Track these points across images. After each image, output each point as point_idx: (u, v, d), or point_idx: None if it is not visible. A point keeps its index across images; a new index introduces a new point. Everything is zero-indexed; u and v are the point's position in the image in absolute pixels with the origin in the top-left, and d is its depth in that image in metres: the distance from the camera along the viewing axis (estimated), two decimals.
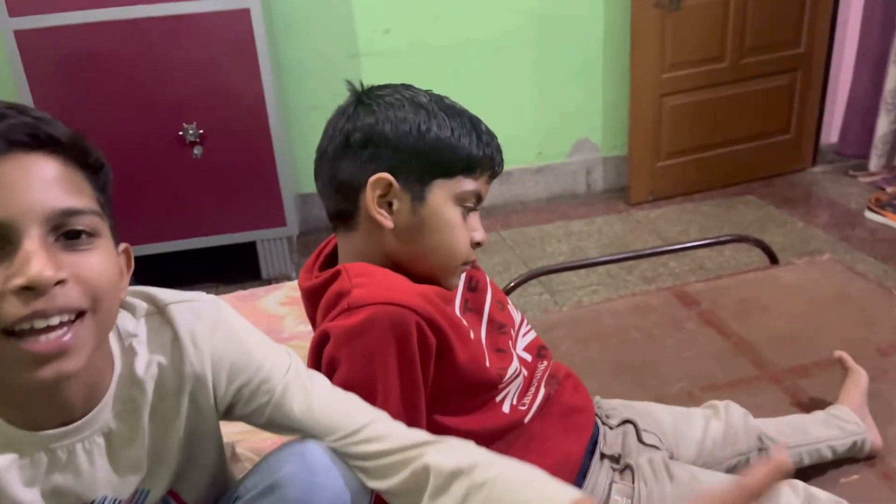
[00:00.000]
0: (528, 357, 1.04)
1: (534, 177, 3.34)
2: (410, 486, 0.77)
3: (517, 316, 1.09)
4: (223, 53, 2.39)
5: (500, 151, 0.97)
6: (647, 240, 2.94)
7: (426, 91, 0.95)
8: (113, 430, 0.76)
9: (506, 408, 0.97)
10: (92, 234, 0.68)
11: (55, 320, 0.64)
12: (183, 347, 0.77)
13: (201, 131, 2.44)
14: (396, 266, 0.93)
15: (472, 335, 0.94)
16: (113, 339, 0.77)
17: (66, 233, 0.66)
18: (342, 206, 0.93)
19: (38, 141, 0.66)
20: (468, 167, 0.93)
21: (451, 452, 0.77)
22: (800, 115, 3.35)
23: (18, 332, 0.63)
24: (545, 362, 1.06)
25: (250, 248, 2.68)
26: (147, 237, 2.55)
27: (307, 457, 0.77)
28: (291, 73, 2.92)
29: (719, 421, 1.15)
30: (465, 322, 0.94)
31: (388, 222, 0.91)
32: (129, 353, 0.77)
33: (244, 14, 2.34)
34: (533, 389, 1.01)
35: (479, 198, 0.95)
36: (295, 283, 1.58)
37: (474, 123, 0.95)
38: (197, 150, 2.46)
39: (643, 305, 1.73)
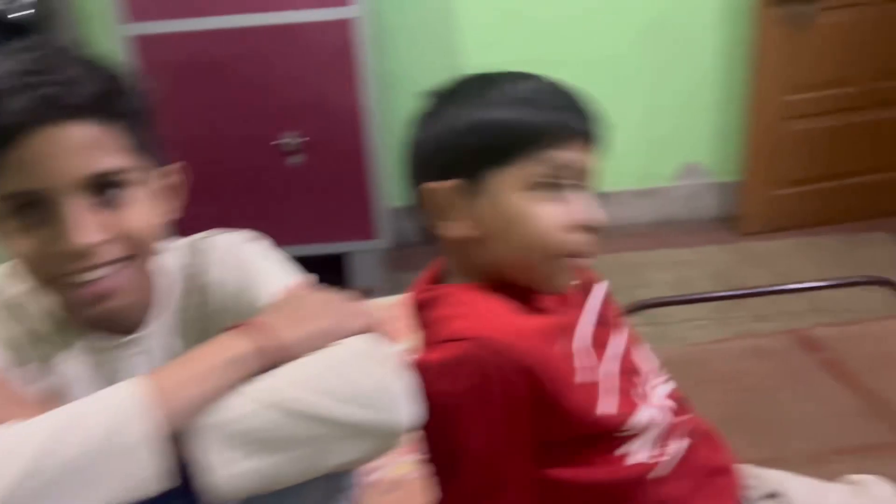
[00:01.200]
0: (671, 406, 0.91)
1: (637, 200, 3.17)
2: None
3: (652, 361, 0.95)
4: (326, 63, 2.38)
5: (578, 111, 0.82)
6: (759, 274, 2.72)
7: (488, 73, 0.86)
8: (153, 350, 0.81)
9: (629, 462, 0.84)
10: (128, 189, 0.72)
11: (101, 272, 0.71)
12: (206, 258, 0.85)
13: (300, 140, 2.44)
14: (500, 280, 0.82)
15: (580, 376, 0.81)
16: (167, 270, 0.83)
17: (104, 191, 0.70)
18: (423, 225, 0.86)
19: (65, 110, 0.68)
20: (527, 144, 0.77)
21: None
22: None
23: (67, 282, 0.70)
24: (685, 416, 0.92)
25: (339, 261, 2.65)
26: None
27: None
28: (394, 86, 2.89)
29: (861, 500, 0.99)
30: (579, 360, 0.83)
31: (463, 231, 0.80)
32: (177, 285, 0.84)
33: (348, 25, 2.32)
34: (667, 444, 0.88)
35: (562, 172, 0.78)
36: (380, 301, 1.52)
37: (536, 88, 0.82)
38: (294, 159, 2.46)
39: (759, 349, 1.57)
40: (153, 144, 0.77)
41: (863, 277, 2.13)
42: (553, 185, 0.78)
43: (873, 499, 0.99)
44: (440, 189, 0.80)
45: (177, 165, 0.82)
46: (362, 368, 0.68)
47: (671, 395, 0.92)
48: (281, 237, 2.76)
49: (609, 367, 0.86)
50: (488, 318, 0.77)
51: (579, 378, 0.81)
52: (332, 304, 0.75)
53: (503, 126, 0.78)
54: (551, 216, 0.78)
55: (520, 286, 0.82)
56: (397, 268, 2.92)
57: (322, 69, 2.39)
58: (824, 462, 1.23)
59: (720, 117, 3.07)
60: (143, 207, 0.74)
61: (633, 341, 0.93)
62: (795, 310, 2.43)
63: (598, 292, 0.93)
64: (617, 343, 0.89)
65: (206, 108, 2.41)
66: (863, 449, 1.27)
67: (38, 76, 0.67)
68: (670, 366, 1.51)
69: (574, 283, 0.84)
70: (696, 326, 2.38)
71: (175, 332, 0.82)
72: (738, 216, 3.08)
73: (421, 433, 0.77)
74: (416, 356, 0.78)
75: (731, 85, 3.00)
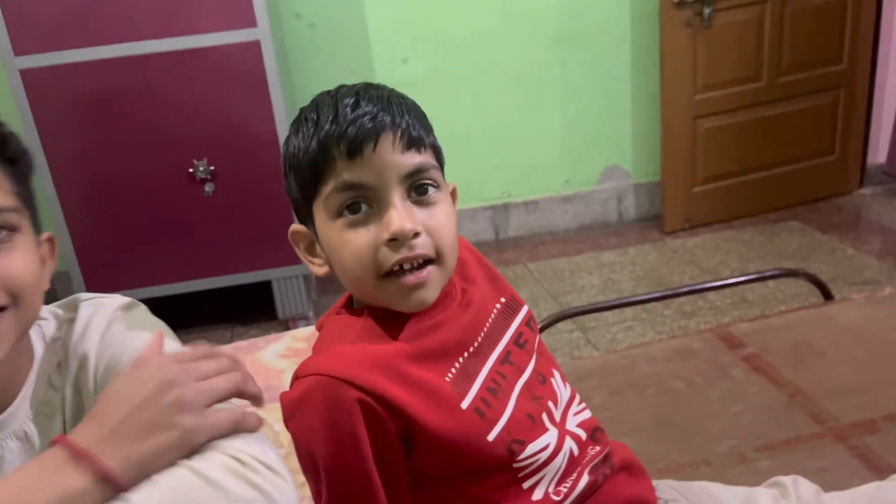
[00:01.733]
0: (583, 435, 0.86)
1: (562, 206, 3.19)
2: None
3: (566, 391, 0.90)
4: (234, 88, 2.31)
5: (351, 113, 0.72)
6: (684, 270, 2.77)
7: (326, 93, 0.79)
8: (29, 435, 0.72)
9: (537, 495, 0.80)
10: (11, 230, 0.67)
11: None
12: (74, 331, 0.75)
13: (212, 168, 2.36)
14: (371, 306, 0.79)
15: (466, 402, 0.76)
16: (36, 340, 0.75)
17: None
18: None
19: None
20: (314, 171, 0.73)
21: None
22: (844, 134, 3.17)
23: None
24: (597, 447, 0.88)
25: (266, 287, 2.57)
26: (159, 278, 2.46)
27: None
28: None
29: (789, 501, 0.98)
30: (478, 382, 0.78)
31: (319, 270, 0.81)
32: (51, 355, 0.75)
33: (254, 47, 2.26)
34: (574, 476, 0.83)
35: (355, 187, 0.72)
36: (297, 333, 1.46)
37: (319, 108, 0.75)
38: (208, 188, 2.37)
39: (683, 349, 1.57)
40: (33, 203, 0.73)
41: (779, 270, 2.18)
42: (357, 205, 0.73)
43: (798, 500, 0.98)
44: (297, 231, 0.82)
45: (47, 235, 0.76)
46: None
47: (585, 424, 0.89)
48: (204, 269, 2.69)
49: (518, 391, 0.82)
50: (334, 351, 0.74)
51: (469, 403, 0.77)
52: (177, 381, 0.63)
53: (300, 161, 0.76)
54: (359, 239, 0.73)
55: (392, 311, 0.78)
56: (325, 292, 2.85)
57: (231, 93, 2.31)
58: (752, 461, 1.23)
59: (637, 120, 3.12)
60: (24, 255, 0.68)
61: (551, 366, 0.90)
62: (720, 304, 2.47)
63: (520, 314, 0.90)
64: (530, 368, 0.86)
65: (113, 140, 2.30)
66: (789, 442, 1.27)
67: None
68: (595, 374, 1.51)
69: (427, 297, 0.77)
70: (626, 328, 2.39)
71: (49, 415, 0.73)
72: (660, 216, 3.13)
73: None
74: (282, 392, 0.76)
75: (645, 88, 3.05)
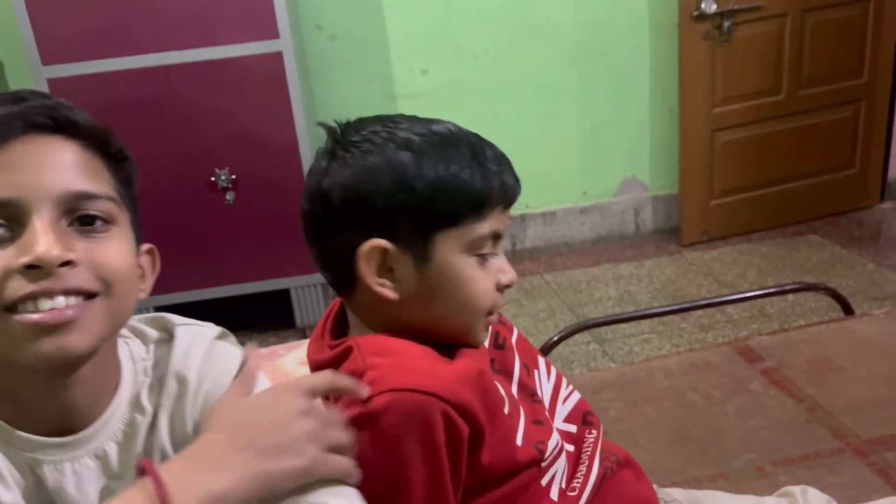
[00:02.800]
0: (573, 428, 0.89)
1: (579, 217, 3.20)
2: None
3: (552, 379, 0.93)
4: (256, 98, 2.34)
5: (512, 174, 0.79)
6: (702, 283, 2.76)
7: (412, 119, 0.80)
8: (108, 454, 0.69)
9: (553, 493, 0.82)
10: (107, 221, 0.66)
11: (61, 301, 0.61)
12: (173, 355, 0.73)
13: (234, 177, 2.39)
14: (414, 331, 0.79)
15: (506, 408, 0.79)
16: (126, 359, 0.73)
17: (80, 218, 0.64)
18: (338, 275, 0.80)
19: (57, 123, 0.65)
20: (476, 208, 0.76)
21: None
22: (864, 148, 3.15)
23: (21, 309, 0.60)
24: (593, 431, 0.90)
25: (285, 295, 2.60)
26: (179, 285, 2.49)
27: None
28: (327, 117, 2.85)
29: None
30: (500, 388, 0.80)
31: (391, 294, 0.76)
32: (139, 377, 0.73)
33: (276, 58, 2.29)
34: (583, 468, 0.86)
35: (497, 236, 0.78)
36: None
37: (475, 150, 0.77)
38: (229, 196, 2.41)
39: (701, 363, 1.56)
40: (135, 208, 0.73)
41: (799, 284, 2.16)
42: (487, 251, 0.78)
43: None
44: (378, 248, 0.75)
45: (147, 246, 0.75)
46: None
47: (574, 411, 0.90)
48: (223, 277, 2.72)
49: (517, 394, 0.84)
50: (413, 366, 0.74)
51: (508, 408, 0.79)
52: (306, 413, 0.65)
53: (462, 189, 0.75)
54: (486, 279, 0.78)
55: (433, 336, 0.79)
56: None
57: (253, 103, 2.35)
58: (770, 475, 1.23)
59: (655, 132, 3.12)
60: (119, 246, 0.66)
61: (529, 359, 0.91)
62: (739, 318, 2.46)
63: (514, 332, 0.92)
64: (516, 366, 0.87)
65: (137, 149, 2.33)
66: (807, 457, 1.26)
67: (35, 95, 0.66)
68: (612, 386, 1.51)
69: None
70: (643, 340, 2.39)
71: (132, 437, 0.71)
72: (677, 228, 3.12)
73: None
74: (345, 414, 0.73)
75: (663, 101, 3.05)
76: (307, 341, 1.51)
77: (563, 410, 0.90)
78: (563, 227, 3.20)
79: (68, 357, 0.62)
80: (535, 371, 0.90)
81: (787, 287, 1.83)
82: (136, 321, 0.76)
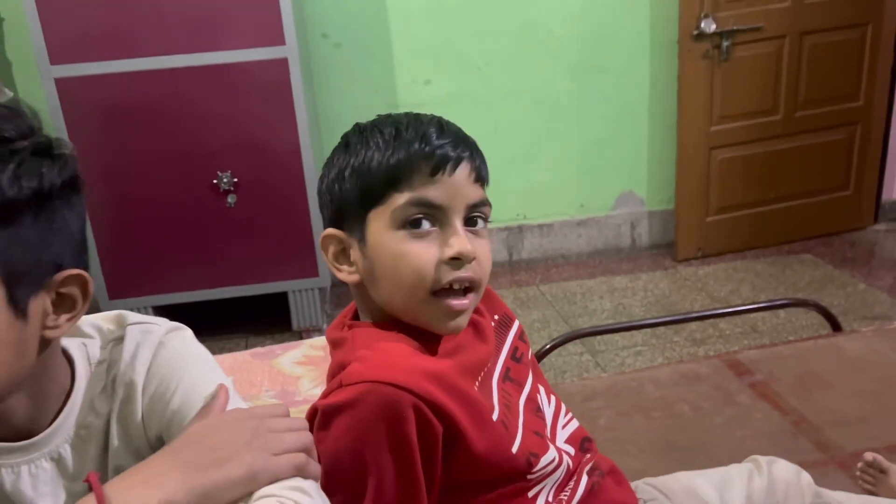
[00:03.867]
0: (571, 450, 0.91)
1: (576, 229, 3.23)
2: None
3: (552, 404, 0.95)
4: (260, 103, 2.37)
5: (437, 137, 0.79)
6: (695, 298, 2.78)
7: (390, 114, 0.85)
8: (63, 457, 0.71)
9: (540, 503, 0.85)
10: None
11: None
12: (122, 358, 0.73)
13: (236, 180, 2.42)
14: (398, 321, 0.82)
15: (495, 415, 0.81)
16: (80, 359, 0.74)
17: None
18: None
19: None
20: (390, 181, 0.77)
21: None
22: (859, 170, 3.19)
23: None
24: (588, 455, 0.93)
25: (282, 298, 2.62)
26: (178, 285, 2.51)
27: None
28: (329, 125, 2.89)
29: (762, 478, 1.02)
30: (495, 398, 0.83)
31: (350, 277, 0.82)
32: (96, 378, 0.74)
33: (282, 64, 2.33)
34: (572, 484, 0.89)
35: (428, 204, 0.77)
36: (314, 341, 1.50)
37: (399, 126, 0.80)
38: (231, 199, 2.43)
39: (691, 374, 1.59)
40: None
41: (791, 300, 2.19)
42: (421, 221, 0.78)
43: (771, 479, 1.02)
44: (330, 236, 0.83)
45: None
46: None
47: (574, 435, 0.93)
48: (222, 278, 2.74)
49: (523, 405, 0.86)
50: (392, 360, 0.76)
51: (497, 415, 0.81)
52: (252, 430, 0.67)
53: (373, 167, 0.79)
54: (422, 253, 0.77)
55: (413, 326, 0.82)
56: (339, 305, 2.89)
57: (257, 109, 2.38)
58: None
59: (653, 148, 3.16)
60: None
61: (540, 380, 0.94)
62: (730, 333, 2.49)
63: (513, 329, 0.94)
64: (529, 381, 0.90)
65: (141, 150, 2.37)
66: None
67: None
68: (602, 394, 1.53)
69: (463, 323, 0.82)
70: (635, 353, 2.41)
71: (85, 439, 0.72)
72: (673, 243, 3.15)
73: (325, 479, 0.76)
74: (320, 400, 0.77)
75: (662, 117, 3.09)
76: (304, 342, 1.54)
77: (562, 434, 0.92)
78: (560, 239, 3.23)
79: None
80: (538, 395, 0.93)
81: (778, 302, 1.86)
82: (97, 319, 0.78)
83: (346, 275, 0.82)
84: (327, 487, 0.75)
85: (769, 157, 3.06)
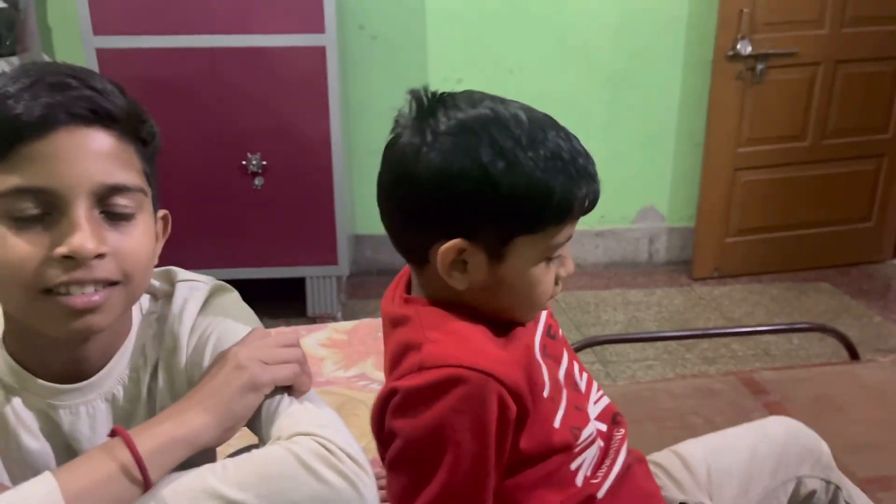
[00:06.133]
0: (603, 427, 0.93)
1: (594, 240, 3.24)
2: None
3: (584, 380, 0.96)
4: (295, 89, 2.39)
5: (595, 179, 0.78)
6: (709, 317, 2.78)
7: (507, 105, 0.78)
8: (116, 397, 0.77)
9: (579, 479, 0.86)
10: (135, 210, 0.71)
11: (90, 288, 0.68)
12: (171, 311, 0.79)
13: (265, 163, 2.44)
14: (467, 306, 0.81)
15: (546, 391, 0.83)
16: (136, 310, 0.80)
17: (110, 206, 0.69)
18: (411, 251, 0.82)
19: (97, 115, 0.68)
20: (559, 216, 0.75)
21: None
22: (882, 203, 3.19)
23: (56, 292, 0.67)
24: (621, 430, 0.94)
25: (299, 283, 2.64)
26: (199, 262, 2.52)
27: None
28: (359, 115, 2.92)
29: (754, 439, 1.06)
30: (545, 375, 0.84)
31: (459, 284, 0.78)
32: (147, 327, 0.80)
33: (319, 52, 2.35)
34: (609, 461, 0.90)
35: (567, 239, 0.80)
36: (338, 325, 1.51)
37: (570, 152, 0.76)
38: (258, 181, 2.45)
39: (705, 389, 1.60)
40: (155, 182, 0.77)
41: (807, 324, 2.19)
42: (557, 255, 0.80)
43: (768, 438, 1.07)
44: (463, 247, 0.76)
45: (162, 212, 0.80)
46: (304, 484, 0.65)
47: (605, 411, 0.94)
48: (243, 258, 2.76)
49: (563, 380, 0.88)
50: (471, 345, 0.77)
51: (547, 392, 0.83)
52: (257, 349, 0.74)
53: (550, 195, 0.74)
54: (549, 277, 0.80)
55: (484, 315, 0.82)
56: (353, 296, 2.91)
57: (291, 93, 2.40)
58: None
59: (677, 165, 3.16)
60: (142, 235, 0.71)
61: (573, 357, 0.95)
62: (743, 354, 2.49)
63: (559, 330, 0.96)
64: (565, 357, 0.91)
65: (175, 126, 2.39)
66: None
67: (76, 80, 0.67)
68: (615, 402, 1.54)
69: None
70: (646, 366, 2.42)
71: (137, 381, 0.78)
72: (690, 261, 3.15)
73: (395, 456, 0.77)
74: (398, 382, 0.77)
75: (689, 135, 3.09)
76: (327, 325, 1.56)
77: (594, 409, 0.93)
78: (578, 247, 3.23)
79: (93, 332, 0.71)
80: (574, 368, 0.94)
81: (798, 326, 1.86)
82: None
83: (457, 281, 0.79)
84: (396, 462, 0.77)
85: (793, 182, 3.05)
